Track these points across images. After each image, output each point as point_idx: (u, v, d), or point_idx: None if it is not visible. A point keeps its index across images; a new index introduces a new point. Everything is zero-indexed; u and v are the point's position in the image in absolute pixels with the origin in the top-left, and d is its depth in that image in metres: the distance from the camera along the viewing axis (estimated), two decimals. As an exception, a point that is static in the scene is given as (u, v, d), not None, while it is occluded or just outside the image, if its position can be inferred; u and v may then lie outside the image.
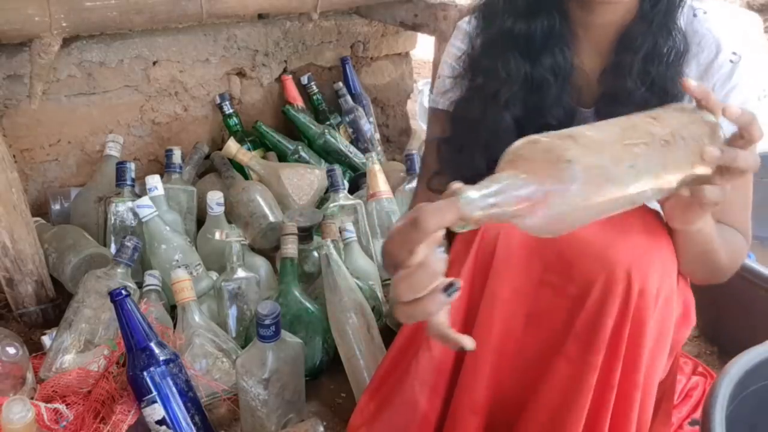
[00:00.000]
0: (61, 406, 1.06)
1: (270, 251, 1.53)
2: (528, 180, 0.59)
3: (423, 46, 2.38)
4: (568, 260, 0.80)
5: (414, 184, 1.48)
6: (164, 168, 1.63)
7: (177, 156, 1.62)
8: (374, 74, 2.21)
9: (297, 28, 1.95)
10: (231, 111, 1.86)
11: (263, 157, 1.82)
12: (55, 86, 1.63)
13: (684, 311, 0.88)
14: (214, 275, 1.42)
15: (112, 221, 1.45)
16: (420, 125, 2.38)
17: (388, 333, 1.28)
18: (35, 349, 1.27)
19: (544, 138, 0.61)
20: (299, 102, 1.97)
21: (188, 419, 1.04)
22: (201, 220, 1.57)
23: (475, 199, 0.58)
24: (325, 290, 1.28)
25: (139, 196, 1.43)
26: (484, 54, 0.92)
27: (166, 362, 1.04)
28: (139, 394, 1.03)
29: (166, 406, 1.03)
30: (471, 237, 0.84)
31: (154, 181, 1.47)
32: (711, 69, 0.84)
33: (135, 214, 1.42)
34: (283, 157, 1.85)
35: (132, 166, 1.49)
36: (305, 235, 1.43)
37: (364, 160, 1.81)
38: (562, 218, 0.60)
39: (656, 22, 0.83)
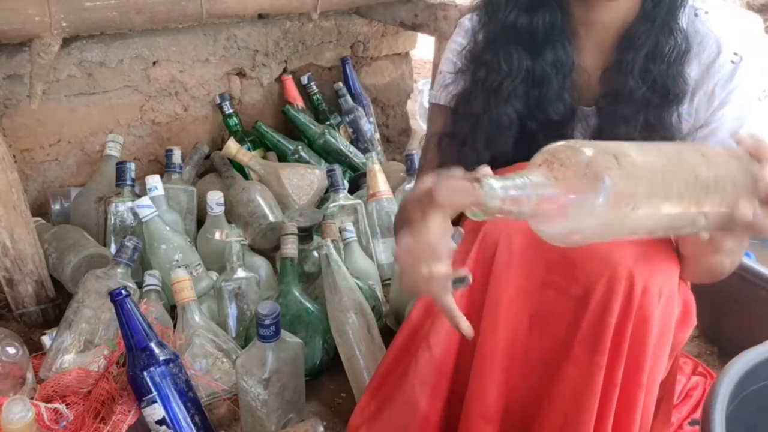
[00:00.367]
0: (61, 406, 1.06)
1: (270, 251, 1.53)
2: (557, 185, 0.58)
3: (423, 46, 2.38)
4: (571, 261, 0.80)
5: (413, 184, 1.48)
6: (164, 168, 1.63)
7: (177, 156, 1.62)
8: (374, 74, 2.22)
9: (297, 28, 1.95)
10: (231, 111, 1.86)
11: (263, 157, 1.82)
12: (55, 86, 1.63)
13: (684, 311, 0.88)
14: (214, 275, 1.42)
15: (112, 221, 1.45)
16: (420, 125, 2.38)
17: (388, 333, 1.28)
18: (35, 349, 1.27)
19: (587, 149, 0.59)
20: (299, 102, 1.97)
21: (188, 419, 1.04)
22: (201, 220, 1.57)
23: (497, 189, 0.57)
24: (325, 290, 1.28)
25: (139, 196, 1.43)
26: (486, 48, 0.92)
27: (166, 362, 1.04)
28: (139, 394, 1.03)
29: (166, 406, 1.03)
30: (470, 241, 0.84)
31: (154, 181, 1.47)
32: (712, 69, 0.84)
33: (135, 214, 1.42)
34: (283, 157, 1.85)
35: (132, 166, 1.49)
36: (305, 235, 1.43)
37: (364, 160, 1.81)
38: (577, 231, 0.59)
39: (658, 21, 0.83)
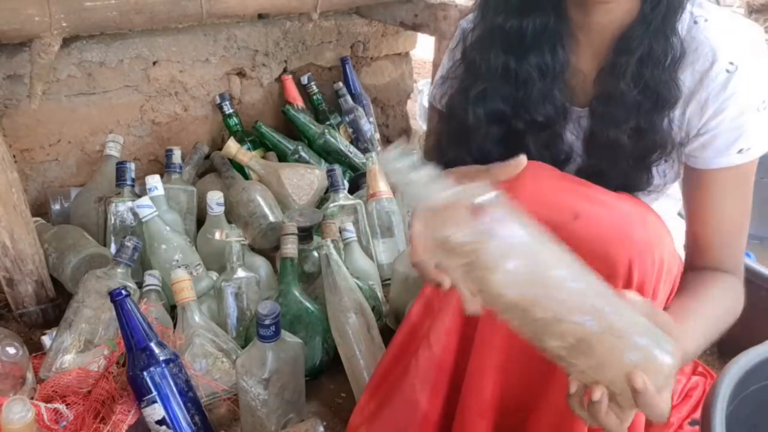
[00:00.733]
0: (61, 406, 1.06)
1: (270, 251, 1.53)
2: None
3: (423, 46, 2.38)
4: None
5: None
6: (164, 168, 1.63)
7: (177, 156, 1.62)
8: (374, 74, 2.22)
9: (297, 28, 1.95)
10: (231, 111, 1.86)
11: (263, 157, 1.82)
12: (55, 86, 1.63)
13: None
14: (214, 275, 1.42)
15: (112, 221, 1.45)
16: (420, 125, 2.38)
17: (388, 333, 1.28)
18: (35, 349, 1.27)
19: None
20: (299, 102, 1.97)
21: (188, 419, 1.04)
22: (201, 220, 1.57)
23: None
24: (325, 290, 1.28)
25: (139, 196, 1.43)
26: (471, 49, 0.93)
27: (166, 362, 1.04)
28: (139, 394, 1.03)
29: (166, 406, 1.03)
30: None
31: (154, 181, 1.47)
32: (706, 79, 0.83)
33: (135, 214, 1.42)
34: (283, 157, 1.85)
35: (132, 166, 1.49)
36: (305, 235, 1.43)
37: (364, 160, 1.81)
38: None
39: (653, 25, 0.82)
